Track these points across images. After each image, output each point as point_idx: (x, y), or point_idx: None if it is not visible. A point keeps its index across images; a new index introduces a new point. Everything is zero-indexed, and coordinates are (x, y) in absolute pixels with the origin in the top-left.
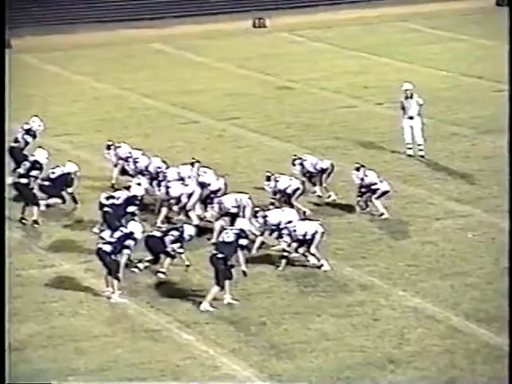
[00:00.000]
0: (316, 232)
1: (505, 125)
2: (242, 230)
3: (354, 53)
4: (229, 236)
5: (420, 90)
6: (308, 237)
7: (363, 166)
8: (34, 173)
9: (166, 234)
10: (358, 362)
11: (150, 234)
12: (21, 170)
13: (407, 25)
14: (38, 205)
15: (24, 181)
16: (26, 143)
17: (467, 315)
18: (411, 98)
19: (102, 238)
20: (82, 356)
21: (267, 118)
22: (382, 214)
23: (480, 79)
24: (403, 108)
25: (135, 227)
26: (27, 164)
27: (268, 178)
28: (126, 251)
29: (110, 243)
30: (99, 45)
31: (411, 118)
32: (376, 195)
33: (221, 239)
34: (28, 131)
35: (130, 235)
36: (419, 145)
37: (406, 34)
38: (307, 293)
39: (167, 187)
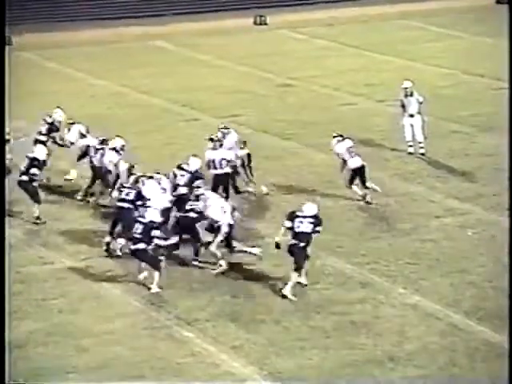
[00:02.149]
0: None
1: (505, 122)
2: (316, 217)
3: (356, 50)
4: (307, 226)
5: (421, 88)
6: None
7: (341, 136)
8: (32, 170)
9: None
10: (358, 360)
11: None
12: (21, 168)
13: (408, 23)
14: (39, 202)
15: (25, 178)
16: (50, 135)
17: (467, 313)
18: (411, 95)
19: (132, 238)
20: (82, 353)
21: (268, 116)
22: (364, 197)
23: (480, 77)
24: (403, 106)
25: (152, 215)
26: (27, 161)
27: None
28: (155, 241)
29: (140, 240)
30: (99, 42)
31: (411, 115)
32: (343, 169)
33: (298, 229)
34: (51, 124)
35: (153, 225)
36: (420, 142)
37: (407, 31)
38: (307, 290)
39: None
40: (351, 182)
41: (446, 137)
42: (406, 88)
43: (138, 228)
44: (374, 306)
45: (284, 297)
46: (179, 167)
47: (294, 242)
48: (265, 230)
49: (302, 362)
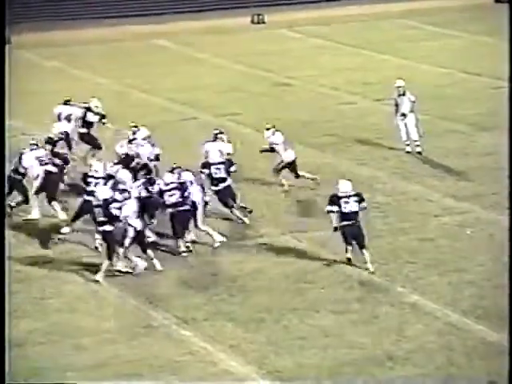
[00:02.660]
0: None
1: (503, 121)
2: (358, 194)
3: (353, 49)
4: (352, 205)
5: (419, 87)
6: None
7: (274, 128)
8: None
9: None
10: (357, 359)
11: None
12: (12, 166)
13: (406, 22)
14: (27, 201)
15: (16, 176)
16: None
17: (465, 312)
18: (403, 95)
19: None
20: (80, 352)
21: (265, 115)
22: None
23: (478, 76)
24: (396, 105)
25: (103, 193)
26: (16, 159)
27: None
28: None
29: (105, 222)
30: (99, 41)
31: (403, 115)
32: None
33: (345, 210)
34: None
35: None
36: (415, 141)
37: (404, 30)
38: (306, 289)
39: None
40: (279, 171)
41: (443, 136)
42: (399, 87)
43: (100, 212)
44: (373, 305)
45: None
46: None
47: (346, 223)
48: (264, 228)
49: (300, 361)
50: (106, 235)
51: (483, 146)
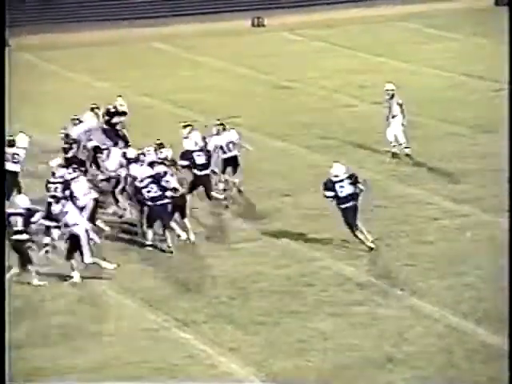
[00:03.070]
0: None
1: (503, 124)
2: (351, 176)
3: (353, 52)
4: (349, 188)
5: (418, 90)
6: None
7: (190, 125)
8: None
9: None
10: (356, 362)
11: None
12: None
13: (406, 24)
14: None
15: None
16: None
17: (465, 315)
18: (392, 98)
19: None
20: (80, 354)
21: (265, 117)
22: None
23: (478, 79)
24: (389, 108)
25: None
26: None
27: None
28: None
29: (20, 231)
30: (98, 43)
31: (394, 117)
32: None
33: (342, 194)
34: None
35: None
36: (400, 144)
37: (404, 33)
38: (305, 292)
39: None
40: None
41: (443, 138)
42: (387, 90)
43: (18, 221)
44: (373, 307)
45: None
46: None
47: (346, 205)
48: (264, 230)
49: (300, 364)
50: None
51: (483, 149)
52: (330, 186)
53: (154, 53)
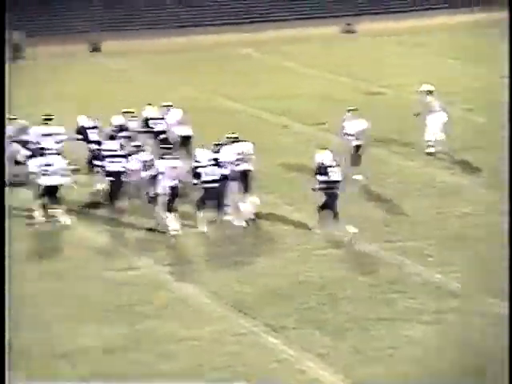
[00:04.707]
0: None
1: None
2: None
3: (449, 60)
4: (336, 175)
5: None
6: None
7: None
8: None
9: None
10: (446, 369)
11: None
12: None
13: None
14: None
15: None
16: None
17: (465, 316)
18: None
19: None
20: (167, 359)
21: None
22: None
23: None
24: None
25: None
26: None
27: None
28: None
29: None
30: (188, 49)
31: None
32: None
33: (332, 178)
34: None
35: None
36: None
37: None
38: (394, 299)
39: None
40: None
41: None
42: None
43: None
44: (466, 315)
45: None
46: None
47: (331, 191)
48: (354, 237)
49: (389, 371)
50: None
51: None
52: (322, 170)
53: (243, 59)
